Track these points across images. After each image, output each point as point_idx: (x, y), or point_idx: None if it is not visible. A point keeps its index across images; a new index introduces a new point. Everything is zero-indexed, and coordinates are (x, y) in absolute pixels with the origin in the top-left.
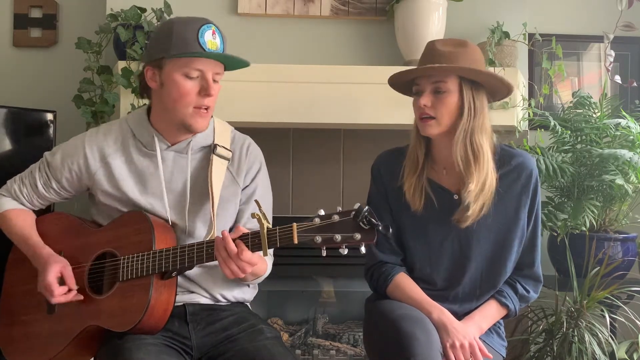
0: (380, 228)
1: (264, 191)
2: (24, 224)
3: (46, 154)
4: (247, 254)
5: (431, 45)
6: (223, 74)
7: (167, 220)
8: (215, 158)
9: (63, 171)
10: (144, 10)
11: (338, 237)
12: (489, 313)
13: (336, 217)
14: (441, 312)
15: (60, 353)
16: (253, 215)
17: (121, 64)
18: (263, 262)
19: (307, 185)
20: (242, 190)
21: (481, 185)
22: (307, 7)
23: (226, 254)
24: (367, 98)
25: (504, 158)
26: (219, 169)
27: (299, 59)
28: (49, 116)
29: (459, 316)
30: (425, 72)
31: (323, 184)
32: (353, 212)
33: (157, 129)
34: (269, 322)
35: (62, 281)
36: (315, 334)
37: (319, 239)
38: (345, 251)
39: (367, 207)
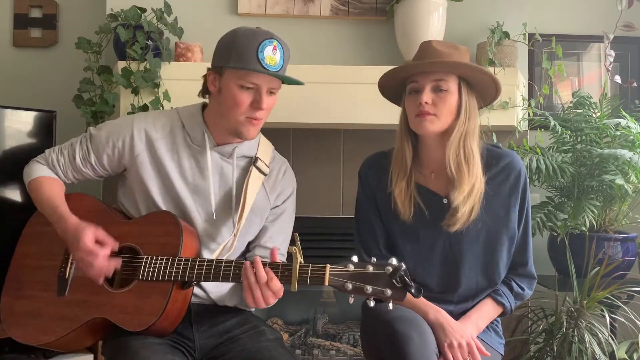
0: (412, 290)
1: (290, 216)
2: (54, 192)
3: (91, 128)
4: (276, 283)
5: (428, 44)
6: (280, 87)
7: (202, 218)
8: (254, 170)
9: (106, 147)
10: (144, 10)
11: (369, 288)
12: (486, 312)
13: (370, 268)
14: (437, 312)
15: (63, 338)
16: (290, 250)
17: (121, 64)
18: None
19: (307, 185)
20: (271, 209)
21: (470, 189)
22: (307, 7)
23: (254, 279)
24: (367, 98)
25: (492, 159)
26: (255, 181)
27: (298, 59)
28: (49, 116)
29: (455, 316)
30: (431, 68)
31: (323, 184)
32: (390, 269)
33: (209, 127)
34: (269, 322)
35: None
36: (315, 334)
37: (349, 285)
38: (372, 303)
39: (404, 267)
